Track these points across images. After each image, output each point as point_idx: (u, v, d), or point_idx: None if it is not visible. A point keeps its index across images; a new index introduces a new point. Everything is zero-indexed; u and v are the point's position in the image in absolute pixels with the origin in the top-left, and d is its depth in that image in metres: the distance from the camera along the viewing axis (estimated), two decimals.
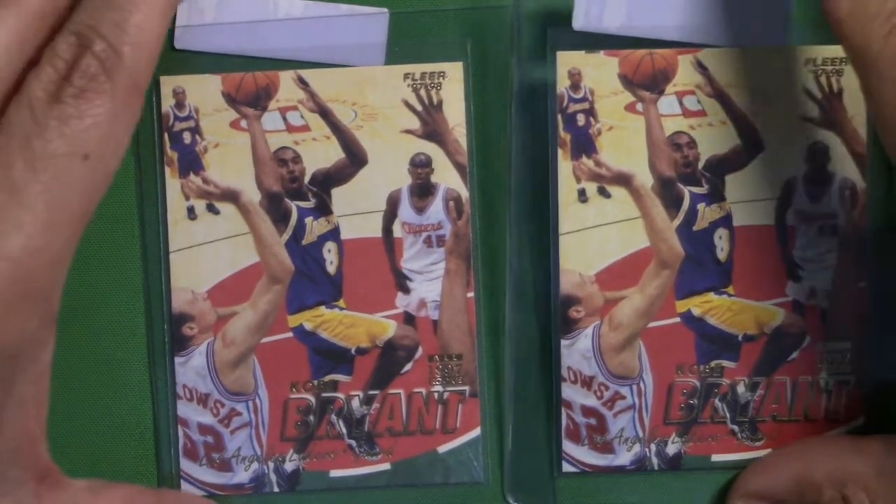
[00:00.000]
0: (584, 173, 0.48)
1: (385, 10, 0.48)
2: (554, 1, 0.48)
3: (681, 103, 0.47)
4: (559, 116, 0.48)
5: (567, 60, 0.47)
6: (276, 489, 0.48)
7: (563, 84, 0.47)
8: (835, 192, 0.48)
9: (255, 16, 0.48)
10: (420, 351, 0.48)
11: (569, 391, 0.48)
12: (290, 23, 0.48)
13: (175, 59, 0.48)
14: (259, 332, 0.48)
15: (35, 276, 0.39)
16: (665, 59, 0.47)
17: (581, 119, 0.48)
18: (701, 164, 0.48)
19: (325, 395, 0.48)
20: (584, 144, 0.48)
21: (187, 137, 0.48)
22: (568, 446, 0.48)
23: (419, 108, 0.48)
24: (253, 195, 0.48)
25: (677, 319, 0.48)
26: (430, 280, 0.48)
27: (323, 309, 0.48)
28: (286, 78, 0.48)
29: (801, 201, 0.47)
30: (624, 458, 0.48)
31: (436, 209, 0.48)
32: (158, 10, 0.41)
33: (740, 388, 0.48)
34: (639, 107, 0.48)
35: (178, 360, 0.48)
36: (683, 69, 0.47)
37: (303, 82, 0.48)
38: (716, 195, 0.48)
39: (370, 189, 0.48)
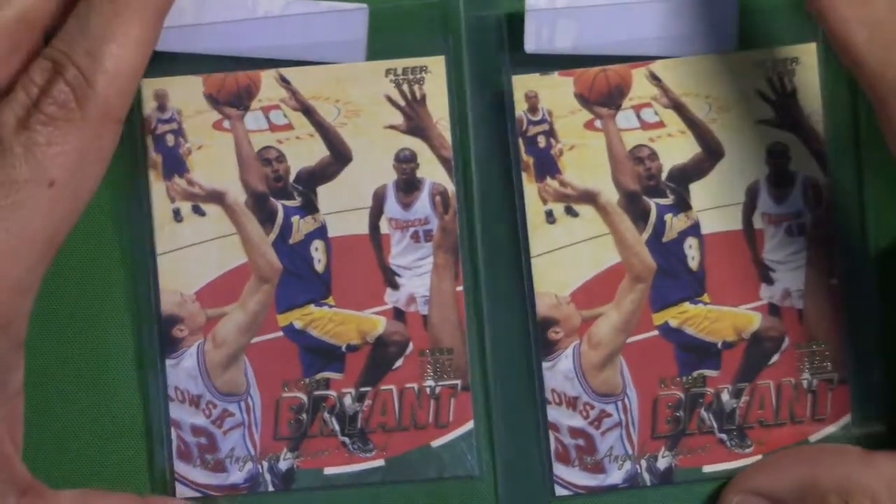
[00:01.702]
0: (549, 194, 0.48)
1: (364, 5, 0.48)
2: (501, 27, 0.48)
3: (638, 116, 0.48)
4: (520, 140, 0.48)
5: (523, 84, 0.48)
6: (270, 488, 0.48)
7: (520, 107, 0.48)
8: (798, 192, 0.48)
9: (235, 15, 0.48)
10: (411, 346, 0.48)
11: (554, 413, 0.48)
12: (270, 21, 0.48)
13: (155, 61, 0.47)
14: (249, 332, 0.48)
15: None
16: (619, 75, 0.48)
17: (542, 141, 0.48)
18: (664, 176, 0.48)
19: (317, 393, 0.48)
20: (548, 166, 0.48)
21: (171, 140, 0.48)
22: (559, 469, 0.48)
23: (402, 103, 0.48)
24: (238, 195, 0.48)
25: (655, 332, 0.48)
26: (418, 275, 0.48)
27: (312, 307, 0.48)
28: (268, 77, 0.48)
29: (766, 204, 0.48)
30: (616, 476, 0.48)
31: (422, 204, 0.48)
32: (134, 41, 0.41)
33: (724, 396, 0.48)
34: (598, 124, 0.48)
35: (169, 362, 0.48)
36: (638, 83, 0.48)
37: (284, 81, 0.48)
38: (682, 205, 0.48)
39: (356, 186, 0.48)
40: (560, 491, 0.48)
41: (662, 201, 0.48)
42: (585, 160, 0.48)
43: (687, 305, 0.48)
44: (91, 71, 0.40)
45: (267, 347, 0.48)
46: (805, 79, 0.47)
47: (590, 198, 0.48)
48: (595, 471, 0.48)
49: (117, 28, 0.40)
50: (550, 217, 0.48)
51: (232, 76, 0.48)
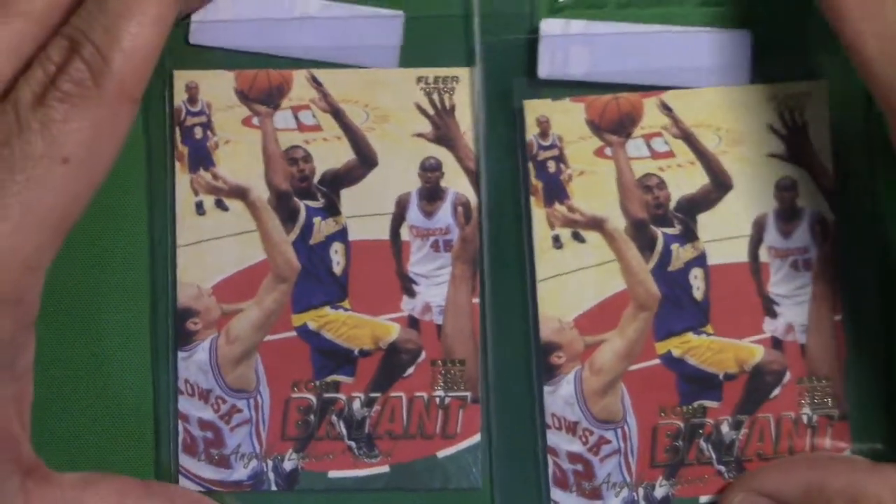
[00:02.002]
0: (557, 219, 0.48)
1: (401, 12, 0.48)
2: (518, 51, 0.48)
3: (648, 146, 0.48)
4: (530, 164, 0.48)
5: (534, 108, 0.48)
6: (273, 487, 0.48)
7: (531, 132, 0.48)
8: (805, 227, 0.48)
9: (271, 13, 0.48)
10: (423, 355, 0.48)
11: (554, 438, 0.48)
12: (306, 21, 0.48)
13: (189, 54, 0.48)
14: (263, 330, 0.48)
15: (3, 278, 0.39)
16: (630, 103, 0.48)
17: (552, 166, 0.48)
18: (672, 205, 0.48)
19: (326, 395, 0.48)
20: (556, 191, 0.48)
21: (199, 133, 0.48)
22: (556, 494, 0.48)
23: (431, 112, 0.48)
24: (262, 193, 0.48)
25: (657, 361, 0.48)
26: (435, 284, 0.48)
27: (328, 309, 0.48)
28: (299, 77, 0.48)
29: (772, 238, 0.47)
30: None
31: (444, 214, 0.48)
32: (152, 19, 0.40)
33: (724, 428, 0.48)
34: (607, 151, 0.48)
35: (181, 354, 0.48)
36: (649, 111, 0.48)
37: (316, 82, 0.48)
38: (689, 235, 0.48)
39: (379, 191, 0.48)
40: None
41: (669, 231, 0.48)
42: (594, 187, 0.48)
43: (690, 335, 0.48)
44: (108, 49, 0.40)
45: (279, 346, 0.48)
46: (816, 115, 0.47)
47: (597, 224, 0.48)
48: (592, 497, 0.48)
49: (135, 7, 0.40)
50: (557, 242, 0.48)
51: (264, 73, 0.48)
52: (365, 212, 0.48)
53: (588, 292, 0.48)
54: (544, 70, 0.47)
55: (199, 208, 0.48)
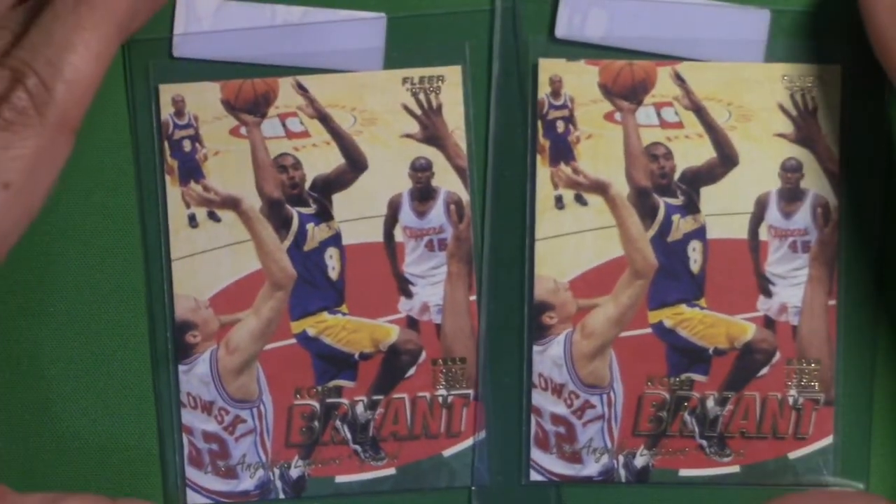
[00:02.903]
0: (561, 180, 0.48)
1: (382, 14, 0.48)
2: (536, 9, 0.48)
3: (659, 115, 0.48)
4: (539, 122, 0.48)
5: (549, 67, 0.48)
6: (281, 496, 0.48)
7: (543, 90, 0.48)
8: (807, 210, 0.48)
9: (253, 23, 0.48)
10: (423, 355, 0.48)
11: (539, 398, 0.48)
12: (288, 29, 0.48)
13: (173, 67, 0.48)
14: (262, 339, 0.48)
15: None
16: (644, 71, 0.48)
17: (560, 126, 0.48)
18: (677, 176, 0.48)
19: (329, 400, 0.48)
20: (563, 151, 0.48)
21: (187, 145, 0.48)
22: (536, 454, 0.48)
23: (419, 112, 0.48)
24: (254, 202, 0.48)
25: (649, 330, 0.48)
26: (432, 284, 0.48)
27: (326, 314, 0.48)
28: (285, 84, 0.48)
29: (774, 217, 0.48)
30: (592, 468, 0.48)
31: (437, 213, 0.48)
32: (95, 52, 0.41)
33: (710, 403, 0.48)
34: (617, 116, 0.48)
35: (181, 368, 0.48)
36: (662, 81, 0.48)
37: (302, 88, 0.48)
38: (690, 207, 0.48)
39: (371, 194, 0.48)
40: (535, 476, 0.48)
41: (672, 201, 0.48)
42: (601, 150, 0.48)
43: (683, 307, 0.48)
44: (51, 80, 0.41)
45: (280, 354, 0.48)
46: (827, 99, 0.48)
47: (601, 188, 0.48)
48: (572, 460, 0.48)
49: (79, 40, 0.41)
50: (560, 203, 0.48)
51: (249, 83, 0.48)
52: (358, 215, 0.48)
53: (586, 255, 0.48)
54: (562, 30, 0.47)
55: (192, 221, 0.48)
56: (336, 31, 0.48)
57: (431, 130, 0.48)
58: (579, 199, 0.48)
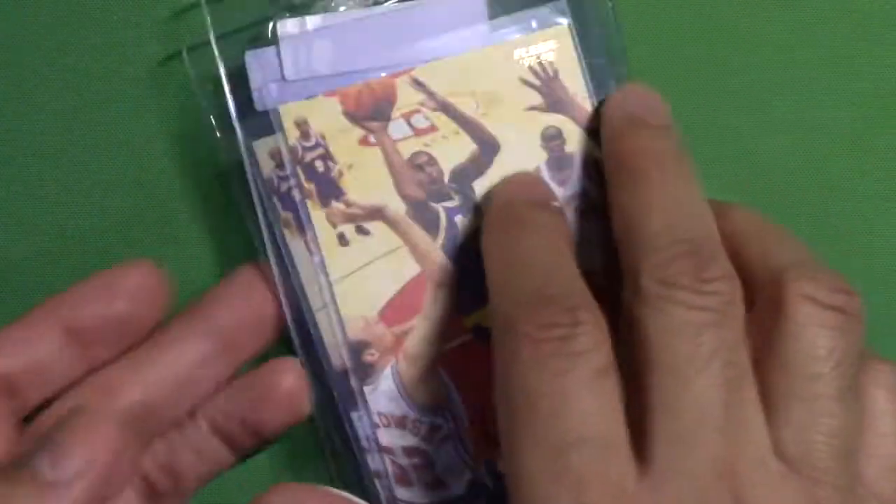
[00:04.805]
0: (337, 217, 0.47)
1: None
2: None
3: (410, 124, 0.47)
4: (299, 168, 0.47)
5: (290, 112, 0.47)
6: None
7: (292, 136, 0.47)
8: (578, 172, 0.47)
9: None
10: None
11: (386, 436, 0.47)
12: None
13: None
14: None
15: None
16: (382, 86, 0.47)
17: (320, 165, 0.47)
18: (447, 178, 0.47)
19: None
20: (330, 189, 0.47)
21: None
22: (401, 492, 0.47)
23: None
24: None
25: (470, 336, 0.47)
26: None
27: None
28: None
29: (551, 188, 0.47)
30: (458, 487, 0.48)
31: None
32: None
33: None
34: (371, 139, 0.47)
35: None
36: (403, 91, 0.47)
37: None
38: (468, 204, 0.47)
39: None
40: None
41: (450, 204, 0.47)
42: (366, 177, 0.47)
43: None
44: None
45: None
46: (564, 60, 0.47)
47: (377, 213, 0.47)
48: (437, 486, 0.48)
49: None
50: (343, 239, 0.47)
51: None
52: None
53: (385, 283, 0.47)
54: (290, 71, 0.47)
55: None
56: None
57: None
58: (361, 230, 0.47)
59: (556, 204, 0.46)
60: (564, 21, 0.47)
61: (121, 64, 0.50)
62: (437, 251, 0.47)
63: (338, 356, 0.47)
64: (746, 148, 0.51)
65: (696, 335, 0.39)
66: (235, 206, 0.48)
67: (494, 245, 0.44)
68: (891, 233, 0.51)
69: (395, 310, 0.47)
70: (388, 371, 0.47)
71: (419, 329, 0.47)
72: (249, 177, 0.47)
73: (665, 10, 0.51)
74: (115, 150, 0.50)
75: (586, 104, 0.47)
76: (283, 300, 0.47)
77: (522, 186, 0.46)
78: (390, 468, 0.47)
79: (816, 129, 0.51)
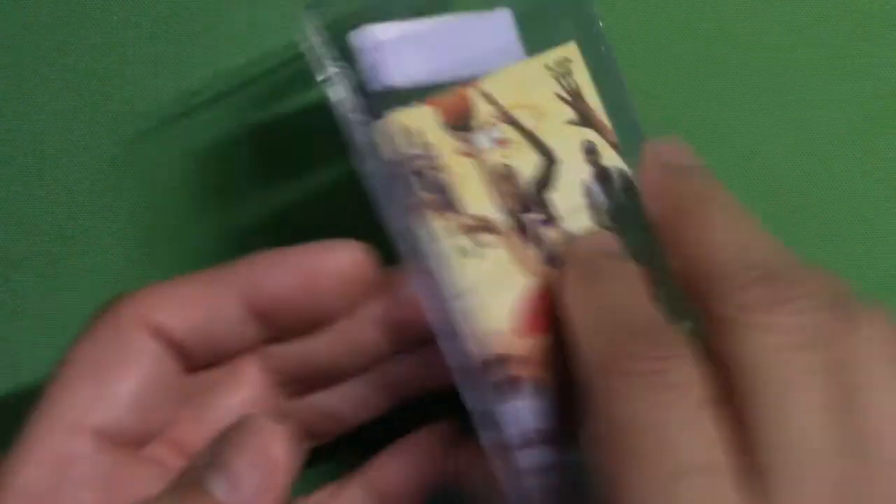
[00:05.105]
0: (456, 228, 0.46)
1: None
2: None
3: (489, 136, 0.47)
4: (413, 179, 0.46)
5: (398, 121, 0.46)
6: None
7: (402, 146, 0.46)
8: (617, 186, 0.49)
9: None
10: None
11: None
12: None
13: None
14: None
15: None
16: (463, 97, 0.47)
17: (430, 175, 0.46)
18: (529, 190, 0.47)
19: None
20: (443, 199, 0.46)
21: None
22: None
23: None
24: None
25: None
26: None
27: None
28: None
29: (601, 201, 0.48)
30: None
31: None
32: None
33: None
34: (467, 149, 0.47)
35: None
36: (477, 102, 0.47)
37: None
38: (552, 218, 0.48)
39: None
40: None
41: (537, 217, 0.47)
42: (470, 188, 0.46)
43: None
44: None
45: None
46: (580, 76, 0.49)
47: (488, 225, 0.46)
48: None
49: None
50: (463, 251, 0.45)
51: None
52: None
53: (507, 296, 0.46)
54: (386, 78, 0.46)
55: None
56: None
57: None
58: (477, 242, 0.46)
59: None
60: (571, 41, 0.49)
61: (121, 64, 0.49)
62: (540, 265, 0.45)
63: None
64: (746, 148, 0.53)
65: (790, 357, 0.39)
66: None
67: (577, 296, 0.43)
68: (891, 233, 0.53)
69: (526, 319, 0.44)
70: (531, 384, 0.44)
71: (548, 338, 0.45)
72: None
73: (665, 11, 0.53)
74: (115, 150, 0.49)
75: (605, 120, 0.49)
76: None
77: (595, 241, 0.46)
78: (540, 495, 0.44)
79: (816, 130, 0.54)
